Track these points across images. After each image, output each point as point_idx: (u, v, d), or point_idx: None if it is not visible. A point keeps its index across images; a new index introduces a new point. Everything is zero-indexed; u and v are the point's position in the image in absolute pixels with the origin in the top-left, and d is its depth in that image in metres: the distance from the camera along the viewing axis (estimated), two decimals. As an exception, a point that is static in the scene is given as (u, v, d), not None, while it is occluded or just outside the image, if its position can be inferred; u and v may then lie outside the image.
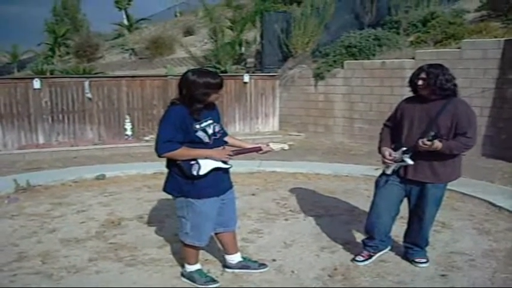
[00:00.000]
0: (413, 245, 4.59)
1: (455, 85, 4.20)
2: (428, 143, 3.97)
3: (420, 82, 4.18)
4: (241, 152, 4.13)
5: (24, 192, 7.28)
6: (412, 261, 4.56)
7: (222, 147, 4.01)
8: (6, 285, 4.18)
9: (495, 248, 4.99)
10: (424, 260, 4.55)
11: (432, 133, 4.01)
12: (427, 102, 4.22)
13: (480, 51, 9.96)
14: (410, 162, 4.22)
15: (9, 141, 10.90)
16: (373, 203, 4.61)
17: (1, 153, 10.42)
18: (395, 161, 4.33)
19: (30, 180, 7.51)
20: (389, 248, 4.76)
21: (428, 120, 4.19)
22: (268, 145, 4.19)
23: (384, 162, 4.43)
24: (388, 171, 4.42)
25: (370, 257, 4.63)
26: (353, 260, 4.66)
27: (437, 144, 3.99)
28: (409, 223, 4.63)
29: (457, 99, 4.21)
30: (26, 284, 4.21)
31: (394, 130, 4.51)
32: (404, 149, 4.27)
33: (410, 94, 4.42)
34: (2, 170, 9.01)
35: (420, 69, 4.23)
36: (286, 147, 4.37)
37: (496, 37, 10.24)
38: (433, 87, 4.12)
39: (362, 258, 4.63)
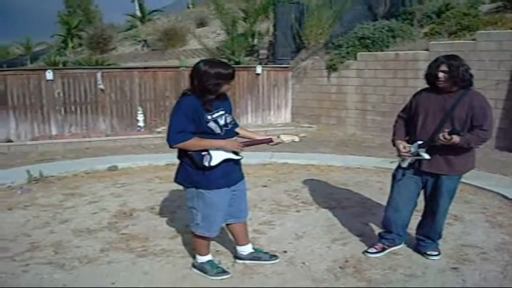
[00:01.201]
0: (426, 237, 4.55)
1: (471, 75, 4.16)
2: (448, 137, 3.94)
3: (441, 75, 4.09)
4: (252, 143, 4.14)
5: (37, 183, 7.33)
6: (423, 254, 4.53)
7: (234, 139, 4.01)
8: (19, 275, 4.22)
9: (508, 241, 4.95)
10: (435, 253, 4.51)
11: (457, 129, 3.99)
12: (443, 94, 4.17)
13: (495, 42, 9.83)
14: (427, 157, 4.18)
15: (22, 132, 10.98)
16: (390, 197, 4.58)
17: (14, 144, 10.50)
18: (411, 155, 4.30)
19: (42, 171, 7.56)
20: (402, 243, 4.70)
21: (443, 112, 4.15)
22: (279, 137, 4.19)
23: (399, 155, 4.40)
24: (404, 165, 4.38)
25: (383, 250, 4.60)
26: (365, 252, 4.64)
27: (456, 138, 3.95)
28: (423, 215, 4.60)
29: (472, 92, 4.16)
30: (38, 273, 4.24)
31: (408, 122, 4.46)
32: (420, 142, 4.22)
33: (422, 86, 4.37)
34: (15, 161, 9.08)
35: (438, 62, 4.13)
36: (296, 139, 4.36)
37: (511, 29, 10.10)
38: (456, 79, 4.07)
39: (374, 251, 4.60)
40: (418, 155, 4.22)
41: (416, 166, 4.34)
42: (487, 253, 4.63)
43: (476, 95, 4.16)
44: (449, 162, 4.21)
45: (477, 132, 4.07)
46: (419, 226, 4.64)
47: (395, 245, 4.64)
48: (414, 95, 4.47)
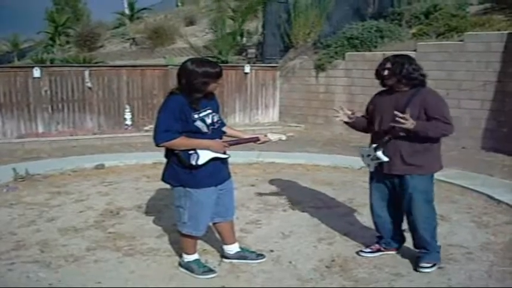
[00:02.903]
0: (419, 248, 4.35)
1: (423, 75, 4.13)
2: (405, 116, 3.89)
3: (386, 72, 4.13)
4: (239, 142, 4.15)
5: (23, 181, 7.27)
6: (417, 266, 4.27)
7: (221, 141, 4.01)
8: (4, 274, 4.19)
9: (493, 241, 4.99)
10: (427, 265, 4.23)
11: (386, 138, 4.04)
12: (395, 93, 4.17)
13: (483, 44, 9.89)
14: (385, 159, 4.16)
15: (9, 130, 10.88)
16: (370, 204, 4.58)
17: (0, 142, 10.41)
18: (371, 159, 4.29)
19: (29, 169, 7.50)
20: (400, 247, 4.61)
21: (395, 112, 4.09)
22: (266, 135, 4.20)
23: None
24: (371, 169, 4.39)
25: (378, 251, 4.57)
26: (360, 251, 4.61)
27: (412, 122, 3.91)
28: (408, 227, 4.45)
29: (425, 89, 4.14)
30: (24, 272, 4.21)
31: (369, 124, 4.49)
32: (375, 145, 4.22)
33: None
34: (1, 158, 8.99)
35: (386, 59, 4.19)
36: (283, 137, 4.36)
37: (499, 30, 10.18)
38: (398, 76, 4.06)
39: (369, 250, 4.57)
40: (377, 158, 4.21)
41: (379, 169, 4.30)
42: (473, 253, 4.66)
43: (428, 92, 4.14)
44: (406, 161, 4.11)
45: (437, 122, 4.00)
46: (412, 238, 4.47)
47: (391, 248, 4.58)
48: (372, 97, 4.49)
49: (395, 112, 3.96)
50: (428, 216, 4.27)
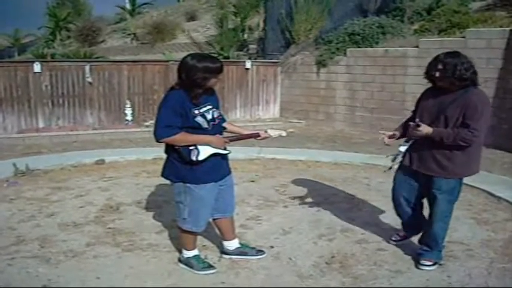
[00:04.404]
0: (424, 245, 4.36)
1: (474, 73, 3.96)
2: (419, 127, 3.93)
3: (437, 74, 3.96)
4: (239, 138, 4.15)
5: (23, 176, 7.27)
6: (417, 263, 4.31)
7: (221, 136, 4.01)
8: (3, 269, 4.19)
9: (493, 238, 4.98)
10: (428, 263, 4.24)
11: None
12: (444, 93, 4.02)
13: (484, 40, 9.86)
14: (401, 149, 4.22)
15: (9, 125, 10.87)
16: (392, 189, 4.58)
17: (1, 137, 10.39)
18: (397, 154, 4.30)
19: (29, 164, 7.50)
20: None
21: (437, 111, 4.03)
22: (266, 131, 4.19)
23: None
24: (397, 160, 4.36)
25: (405, 238, 4.70)
26: (389, 239, 4.75)
27: (427, 129, 3.93)
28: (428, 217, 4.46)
29: (473, 90, 3.96)
30: (24, 267, 4.21)
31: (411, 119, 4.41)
32: (405, 139, 4.22)
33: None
34: (2, 153, 8.98)
35: (437, 60, 3.99)
36: (284, 133, 4.36)
37: (501, 27, 10.15)
38: (451, 78, 3.90)
39: (398, 238, 4.71)
40: (398, 152, 4.21)
41: (407, 164, 4.27)
42: (472, 250, 4.66)
43: (473, 94, 3.94)
44: (439, 163, 4.06)
45: (460, 130, 3.89)
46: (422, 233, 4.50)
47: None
48: (421, 94, 4.37)
49: (410, 123, 4.04)
50: (447, 216, 4.27)
